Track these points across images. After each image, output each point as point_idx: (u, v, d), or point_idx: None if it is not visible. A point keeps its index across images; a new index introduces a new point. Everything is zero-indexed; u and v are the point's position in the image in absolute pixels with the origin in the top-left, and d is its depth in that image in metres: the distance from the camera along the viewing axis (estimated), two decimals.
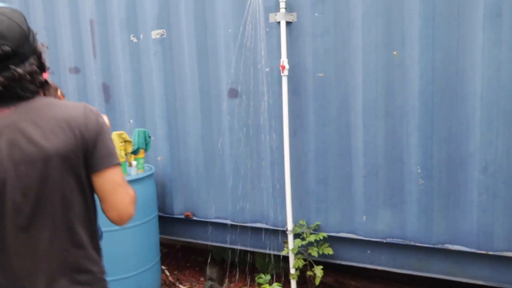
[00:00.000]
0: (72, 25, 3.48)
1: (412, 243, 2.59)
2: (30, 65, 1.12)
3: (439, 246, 2.53)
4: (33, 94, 1.15)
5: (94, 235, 1.27)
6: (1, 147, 1.09)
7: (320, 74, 2.67)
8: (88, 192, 1.21)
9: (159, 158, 3.27)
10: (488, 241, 2.41)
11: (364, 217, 2.68)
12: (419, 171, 2.49)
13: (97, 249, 1.29)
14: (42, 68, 1.19)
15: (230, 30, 2.86)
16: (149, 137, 3.00)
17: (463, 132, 2.38)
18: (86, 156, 1.17)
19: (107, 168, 1.19)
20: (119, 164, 1.24)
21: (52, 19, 3.57)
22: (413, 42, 2.39)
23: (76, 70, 3.53)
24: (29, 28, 1.15)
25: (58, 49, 3.58)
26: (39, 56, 1.18)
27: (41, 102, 1.16)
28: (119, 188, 1.22)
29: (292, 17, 2.69)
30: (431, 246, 2.54)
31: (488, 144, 2.32)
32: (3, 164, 1.09)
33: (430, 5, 2.32)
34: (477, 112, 2.31)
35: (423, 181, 2.49)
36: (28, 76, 1.11)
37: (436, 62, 2.36)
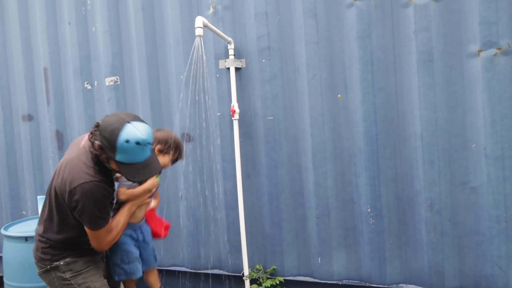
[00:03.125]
0: (25, 73, 3.46)
1: (368, 284, 2.57)
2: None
3: (394, 286, 2.52)
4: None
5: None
6: None
7: (270, 118, 2.72)
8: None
9: None
10: (439, 280, 2.42)
11: (319, 259, 2.66)
12: (369, 210, 2.52)
13: None
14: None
15: (182, 77, 2.91)
16: None
17: (407, 171, 2.44)
18: None
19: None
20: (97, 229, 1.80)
21: (5, 67, 3.54)
22: (355, 86, 2.49)
23: (30, 118, 3.48)
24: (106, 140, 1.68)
25: (12, 97, 3.54)
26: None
27: None
28: (94, 239, 1.84)
29: (241, 63, 2.76)
30: (386, 286, 2.53)
31: (431, 182, 2.38)
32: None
33: (368, 52, 2.44)
34: (419, 152, 2.39)
35: (373, 221, 2.51)
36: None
37: (378, 104, 2.45)
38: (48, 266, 1.87)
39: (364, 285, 2.57)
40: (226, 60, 2.77)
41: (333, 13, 2.52)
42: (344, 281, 2.62)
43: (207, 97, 2.82)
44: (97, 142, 1.69)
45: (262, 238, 2.80)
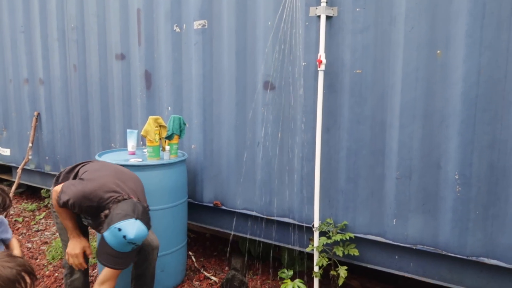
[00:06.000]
0: (120, 13, 3.62)
1: (444, 252, 2.47)
2: None
3: (474, 258, 2.39)
4: None
5: None
6: None
7: (357, 71, 2.60)
8: None
9: (193, 146, 3.34)
10: None
11: (394, 220, 2.59)
12: (457, 177, 2.37)
13: None
14: None
15: (269, 23, 2.86)
16: (184, 124, 3.07)
17: (508, 139, 2.23)
18: None
19: None
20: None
21: (103, 6, 3.73)
22: (458, 42, 2.27)
23: (122, 57, 3.68)
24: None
25: (107, 36, 3.75)
26: None
27: None
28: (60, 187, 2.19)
29: (333, 12, 2.64)
30: (465, 257, 2.41)
31: None
32: None
33: (479, 3, 2.19)
34: None
35: (460, 189, 2.37)
36: None
37: (483, 64, 2.23)
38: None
39: (440, 252, 2.47)
40: (318, 7, 2.65)
41: None
42: (418, 246, 2.54)
43: (293, 46, 2.76)
44: (106, 211, 1.97)
45: (335, 193, 2.78)
